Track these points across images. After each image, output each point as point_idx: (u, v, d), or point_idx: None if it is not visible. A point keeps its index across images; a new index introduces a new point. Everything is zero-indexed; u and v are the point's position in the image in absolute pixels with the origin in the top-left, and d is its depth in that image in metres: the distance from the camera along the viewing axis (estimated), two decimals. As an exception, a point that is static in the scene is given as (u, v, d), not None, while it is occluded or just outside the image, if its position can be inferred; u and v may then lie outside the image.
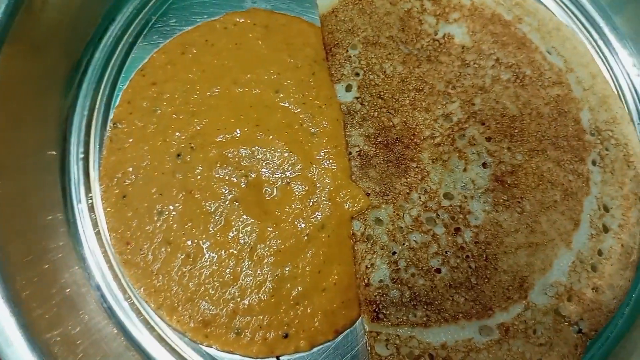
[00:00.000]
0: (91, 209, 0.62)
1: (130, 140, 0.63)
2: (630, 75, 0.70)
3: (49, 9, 0.59)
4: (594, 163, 0.62)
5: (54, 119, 0.63)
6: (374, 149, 0.62)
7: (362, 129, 0.63)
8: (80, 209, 0.62)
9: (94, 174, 0.63)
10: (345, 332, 0.58)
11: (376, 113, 0.63)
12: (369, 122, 0.63)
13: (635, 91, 0.69)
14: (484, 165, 0.61)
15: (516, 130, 0.62)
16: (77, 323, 0.54)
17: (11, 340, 0.47)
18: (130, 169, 0.61)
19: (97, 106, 0.66)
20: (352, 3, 0.67)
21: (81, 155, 0.64)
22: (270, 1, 0.70)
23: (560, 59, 0.66)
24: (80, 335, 0.53)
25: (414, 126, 0.63)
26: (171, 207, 0.60)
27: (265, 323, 0.57)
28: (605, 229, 0.60)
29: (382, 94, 0.64)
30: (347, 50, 0.66)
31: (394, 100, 0.64)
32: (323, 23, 0.67)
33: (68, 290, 0.57)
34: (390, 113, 0.63)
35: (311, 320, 0.57)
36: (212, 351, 0.57)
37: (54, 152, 0.62)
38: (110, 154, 0.63)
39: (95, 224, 0.61)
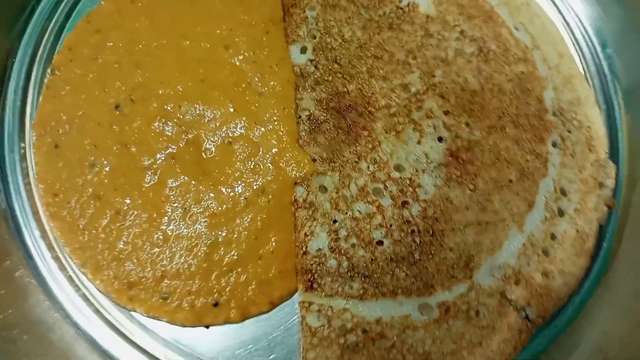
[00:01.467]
0: (23, 158, 0.59)
1: (68, 88, 0.59)
2: (600, 56, 0.67)
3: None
4: (554, 144, 0.60)
5: (-10, 61, 0.60)
6: (325, 114, 0.59)
7: (314, 93, 0.60)
8: (12, 157, 0.59)
9: (29, 123, 0.60)
10: (281, 304, 0.55)
11: (330, 77, 0.60)
12: (322, 86, 0.60)
13: (603, 73, 0.66)
14: (440, 139, 0.58)
15: (476, 106, 0.60)
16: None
17: None
18: (65, 118, 0.58)
19: (39, 53, 0.62)
20: None
21: (18, 102, 0.61)
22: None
23: (528, 35, 0.63)
24: (1, 290, 0.50)
25: (370, 94, 0.60)
26: (104, 161, 0.56)
27: (194, 289, 0.53)
28: (561, 213, 0.58)
29: (338, 58, 0.61)
30: (305, 11, 0.63)
31: (351, 66, 0.61)
32: None
33: (-9, 241, 0.54)
34: (346, 79, 0.60)
35: (244, 289, 0.54)
36: (139, 317, 0.54)
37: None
38: (45, 101, 0.59)
39: (26, 175, 0.58)
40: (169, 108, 0.58)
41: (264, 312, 0.54)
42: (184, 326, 0.53)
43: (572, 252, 0.57)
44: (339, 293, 0.53)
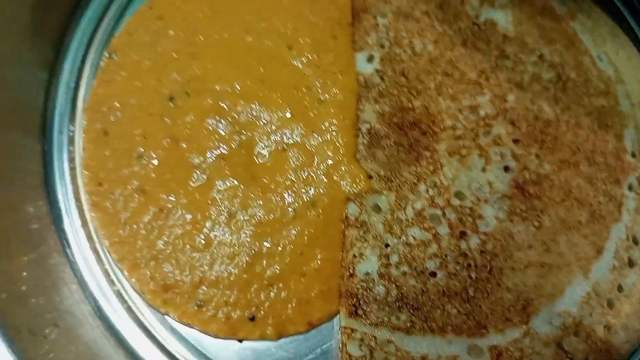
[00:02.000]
0: (71, 142, 0.57)
1: (123, 73, 0.58)
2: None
3: None
4: (630, 188, 0.56)
5: (50, 39, 0.59)
6: (387, 129, 0.56)
7: (377, 105, 0.57)
8: (60, 140, 0.57)
9: (80, 106, 0.58)
10: (320, 326, 0.52)
11: (396, 91, 0.57)
12: (386, 99, 0.57)
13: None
14: (506, 168, 0.55)
15: (549, 137, 0.56)
16: (27, 260, 0.49)
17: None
18: (118, 105, 0.57)
19: (98, 35, 0.61)
20: None
21: (72, 84, 0.59)
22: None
23: (612, 67, 0.59)
24: (28, 273, 0.49)
25: (436, 113, 0.57)
26: (153, 154, 0.55)
27: (231, 300, 0.51)
28: (631, 263, 0.54)
29: (406, 71, 0.58)
30: (376, 18, 0.59)
31: (418, 81, 0.57)
32: None
33: (25, 225, 0.52)
34: (412, 94, 0.57)
35: (284, 307, 0.52)
36: (171, 321, 0.52)
37: (44, 75, 0.58)
38: (99, 85, 0.58)
39: (71, 160, 0.57)
40: (224, 105, 0.56)
41: (301, 333, 0.52)
42: (216, 337, 0.51)
43: (639, 307, 0.52)
44: (385, 323, 0.50)
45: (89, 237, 0.54)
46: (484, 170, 0.55)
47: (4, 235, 0.49)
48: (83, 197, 0.55)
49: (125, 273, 0.52)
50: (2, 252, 0.47)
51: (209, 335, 0.51)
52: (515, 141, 0.56)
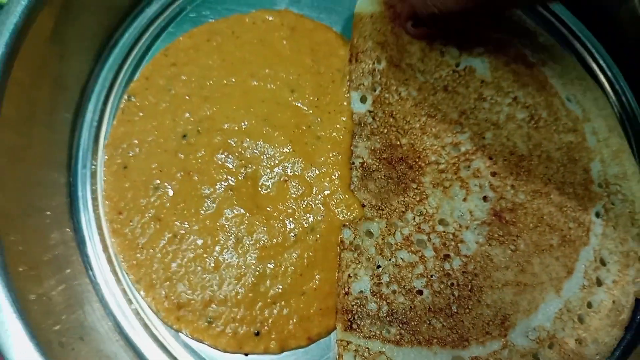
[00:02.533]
0: (93, 175, 0.63)
1: (141, 114, 0.64)
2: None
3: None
4: (597, 215, 0.61)
5: (75, 83, 0.65)
6: (377, 164, 0.62)
7: (369, 142, 0.63)
8: (84, 173, 0.63)
9: (102, 143, 0.64)
10: (319, 340, 0.57)
11: (385, 130, 0.63)
12: (377, 137, 0.63)
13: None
14: (485, 198, 0.61)
15: (523, 170, 0.62)
16: (56, 280, 0.55)
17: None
18: (136, 142, 0.62)
19: (118, 80, 0.67)
20: (388, 19, 0.67)
21: (95, 123, 0.65)
22: (302, 8, 0.72)
23: (579, 107, 0.66)
24: (57, 292, 0.54)
25: (421, 149, 0.63)
26: (168, 185, 0.60)
27: (238, 317, 0.56)
28: (599, 282, 0.59)
29: (394, 113, 0.64)
30: (374, 63, 0.66)
31: (405, 122, 0.64)
32: (358, 23, 0.67)
33: (52, 250, 0.57)
34: (400, 133, 0.63)
35: (286, 323, 0.56)
36: (184, 337, 0.57)
37: (69, 115, 0.64)
38: (119, 124, 0.64)
39: (94, 191, 0.62)
40: (232, 142, 0.62)
41: (301, 346, 0.57)
42: (225, 351, 0.56)
43: (607, 322, 0.57)
44: (377, 336, 0.54)
45: (109, 261, 0.59)
46: (465, 199, 0.61)
47: (35, 260, 0.54)
48: (104, 225, 0.60)
49: (142, 293, 0.57)
50: (34, 274, 0.53)
51: (218, 349, 0.56)
52: (493, 174, 0.61)
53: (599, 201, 0.62)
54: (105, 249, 0.60)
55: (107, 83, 0.67)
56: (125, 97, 0.65)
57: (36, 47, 0.59)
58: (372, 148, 0.63)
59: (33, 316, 0.49)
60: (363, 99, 0.65)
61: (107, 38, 0.68)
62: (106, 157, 0.63)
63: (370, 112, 0.64)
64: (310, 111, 0.64)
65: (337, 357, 0.54)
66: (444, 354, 0.54)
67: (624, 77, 0.72)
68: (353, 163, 0.62)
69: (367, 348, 0.54)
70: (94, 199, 0.62)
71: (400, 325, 0.55)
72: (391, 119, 0.64)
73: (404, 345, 0.54)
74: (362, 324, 0.55)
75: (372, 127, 0.64)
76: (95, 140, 0.65)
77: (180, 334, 0.57)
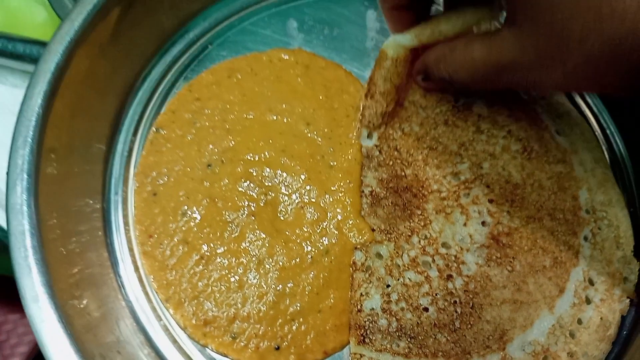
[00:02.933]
0: (124, 201, 0.68)
1: (169, 145, 0.70)
2: (629, 165, 0.75)
3: (125, 24, 0.68)
4: (585, 238, 0.67)
5: (107, 117, 0.71)
6: (385, 192, 0.68)
7: (377, 173, 0.69)
8: (116, 200, 0.68)
9: (132, 171, 0.70)
10: (334, 354, 0.62)
11: (391, 162, 0.69)
12: (384, 168, 0.69)
13: (632, 179, 0.74)
14: (483, 223, 0.66)
15: (517, 197, 0.68)
16: (94, 298, 0.60)
17: (38, 298, 0.53)
18: (165, 170, 0.68)
19: (146, 114, 0.73)
20: (409, 63, 0.70)
21: (125, 153, 0.71)
22: (314, 47, 0.78)
23: (567, 140, 0.72)
24: (95, 309, 0.59)
25: (424, 179, 0.68)
26: (194, 211, 0.66)
27: (260, 332, 0.61)
28: (588, 301, 0.64)
29: (398, 147, 0.70)
30: (387, 106, 0.70)
31: (409, 155, 0.70)
32: (382, 61, 0.70)
33: (90, 270, 0.62)
34: (404, 165, 0.69)
35: (304, 338, 0.61)
36: (209, 351, 0.62)
37: (102, 146, 0.70)
38: (149, 154, 0.69)
39: (125, 216, 0.67)
40: (253, 171, 0.68)
41: (318, 360, 0.62)
42: (247, 365, 0.61)
43: (596, 337, 0.63)
44: (387, 349, 0.60)
45: (140, 280, 0.64)
46: (465, 224, 0.67)
47: (75, 279, 0.59)
48: (135, 247, 0.65)
49: (171, 311, 0.62)
50: (76, 293, 0.58)
51: (241, 363, 0.61)
52: (490, 201, 0.67)
53: (587, 226, 0.68)
54: (136, 269, 0.65)
55: (137, 116, 0.73)
56: (154, 129, 0.71)
57: (74, 84, 0.65)
58: (380, 178, 0.69)
59: (76, 331, 0.54)
60: (370, 135, 0.71)
61: (136, 75, 0.74)
62: (137, 185, 0.68)
63: (376, 146, 0.70)
64: (324, 142, 0.70)
65: (351, 368, 0.60)
66: (448, 365, 0.59)
67: (608, 112, 0.78)
68: (363, 191, 0.68)
69: (379, 360, 0.60)
70: (126, 224, 0.67)
71: (409, 340, 0.60)
72: (396, 152, 0.70)
73: (412, 358, 0.59)
74: (373, 338, 0.60)
75: (379, 159, 0.70)
76: (126, 169, 0.70)
77: (206, 348, 0.62)
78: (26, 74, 0.85)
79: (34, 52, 0.79)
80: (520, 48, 0.52)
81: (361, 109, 0.72)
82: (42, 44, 0.79)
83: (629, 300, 0.65)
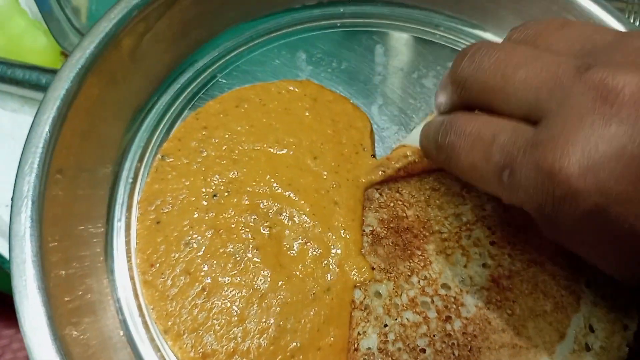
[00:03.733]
0: (127, 228, 0.68)
1: (174, 173, 0.70)
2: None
3: (137, 54, 0.69)
4: (588, 284, 0.67)
5: (114, 143, 0.71)
6: (385, 232, 0.68)
7: (377, 214, 0.69)
8: (119, 226, 0.68)
9: (136, 198, 0.70)
10: (332, 393, 0.61)
11: (392, 204, 0.70)
12: (385, 209, 0.69)
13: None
14: (484, 265, 0.66)
15: (519, 240, 0.68)
16: (92, 326, 0.60)
17: (37, 327, 0.53)
18: (169, 199, 0.68)
19: (153, 141, 0.74)
20: None
21: (130, 180, 0.71)
22: (322, 80, 0.79)
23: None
24: (93, 337, 0.59)
25: (425, 220, 0.69)
26: (198, 241, 0.66)
27: (260, 368, 0.61)
28: (588, 348, 0.64)
29: (400, 189, 0.71)
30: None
31: (410, 196, 0.70)
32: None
33: (89, 296, 0.62)
34: (405, 206, 0.70)
35: (303, 376, 0.61)
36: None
37: (108, 172, 0.70)
38: (153, 182, 0.70)
39: (128, 243, 0.67)
40: (258, 204, 0.68)
41: (316, 399, 0.61)
42: (244, 402, 0.60)
43: (594, 386, 0.63)
44: (383, 391, 0.60)
45: (140, 309, 0.64)
46: (465, 266, 0.67)
47: (74, 304, 0.59)
48: (136, 276, 0.65)
49: (170, 342, 0.61)
50: (73, 319, 0.58)
51: (239, 399, 0.60)
52: (492, 243, 0.68)
53: (589, 271, 0.68)
54: (136, 297, 0.65)
55: (142, 143, 0.73)
56: (159, 156, 0.71)
57: (82, 111, 0.66)
58: (380, 218, 0.69)
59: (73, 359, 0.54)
60: None
61: (144, 103, 0.75)
62: (140, 213, 0.68)
63: (377, 189, 0.71)
64: (330, 177, 0.70)
65: (347, 408, 0.59)
66: (445, 410, 0.59)
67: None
68: (364, 230, 0.68)
69: (375, 402, 0.59)
70: (127, 251, 0.67)
71: (405, 382, 0.60)
72: (397, 194, 0.70)
73: (409, 401, 0.59)
74: (369, 378, 0.60)
75: (380, 201, 0.70)
76: (130, 195, 0.70)
77: (203, 381, 0.61)
78: (25, 99, 0.88)
79: (33, 78, 0.81)
80: None
81: (386, 177, 0.70)
82: (42, 70, 0.81)
83: (628, 349, 0.65)
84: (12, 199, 0.57)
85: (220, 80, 0.79)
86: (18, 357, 0.79)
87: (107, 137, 0.71)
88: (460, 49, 0.84)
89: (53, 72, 0.80)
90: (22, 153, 0.60)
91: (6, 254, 0.74)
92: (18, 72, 0.82)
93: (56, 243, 0.60)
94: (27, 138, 0.61)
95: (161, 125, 0.75)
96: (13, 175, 0.81)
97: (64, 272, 0.60)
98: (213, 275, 0.64)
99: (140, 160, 0.72)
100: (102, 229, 0.68)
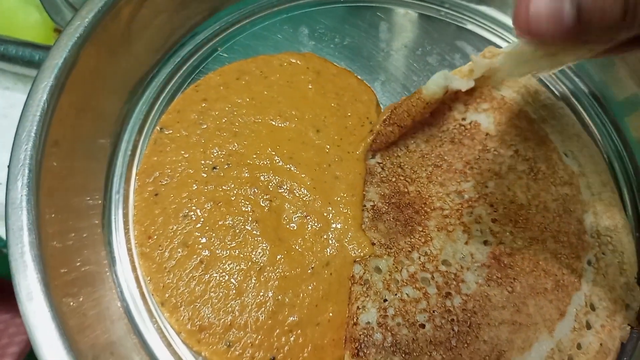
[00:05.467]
0: (125, 200, 0.68)
1: (173, 145, 0.69)
2: (636, 190, 0.74)
3: (135, 24, 0.68)
4: (589, 263, 0.66)
5: (112, 115, 0.71)
6: (386, 207, 0.67)
7: (379, 188, 0.68)
8: (117, 198, 0.68)
9: (135, 170, 0.69)
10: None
11: (394, 179, 0.69)
12: (386, 184, 0.68)
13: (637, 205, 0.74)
14: (485, 242, 0.66)
15: (521, 218, 0.67)
16: (89, 297, 0.59)
17: (33, 295, 0.52)
18: (168, 171, 0.68)
19: (152, 113, 0.73)
20: (433, 104, 0.70)
21: (128, 152, 0.71)
22: (324, 55, 0.78)
23: (576, 162, 0.71)
24: (90, 308, 0.58)
25: (427, 196, 0.68)
26: (197, 213, 0.65)
27: (257, 342, 0.60)
28: (588, 326, 0.64)
29: (402, 164, 0.70)
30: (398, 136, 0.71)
31: (412, 172, 0.69)
32: (414, 99, 0.69)
33: (87, 267, 0.62)
34: (407, 181, 0.69)
35: (301, 351, 0.60)
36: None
37: (106, 144, 0.69)
38: (152, 154, 0.69)
39: (125, 215, 0.67)
40: (258, 177, 0.67)
41: (313, 375, 0.60)
42: (241, 376, 0.60)
43: (594, 364, 0.62)
44: (381, 364, 0.59)
45: (137, 281, 0.64)
46: (466, 243, 0.66)
47: (72, 276, 0.58)
48: (133, 247, 0.65)
49: (166, 315, 0.61)
50: (71, 291, 0.57)
51: (235, 374, 0.60)
52: (494, 220, 0.67)
53: (591, 250, 0.67)
54: (134, 269, 0.64)
55: (142, 116, 0.73)
56: (158, 128, 0.71)
57: (80, 81, 0.65)
58: (382, 193, 0.68)
59: (70, 330, 0.53)
60: (373, 155, 0.71)
61: (143, 75, 0.75)
62: (138, 185, 0.68)
63: (379, 163, 0.70)
64: (332, 150, 0.69)
65: (345, 382, 0.59)
66: (443, 384, 0.59)
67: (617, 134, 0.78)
68: (365, 205, 0.68)
69: (373, 375, 0.59)
70: (125, 223, 0.67)
71: (403, 355, 0.60)
72: (399, 169, 0.70)
73: (406, 375, 0.59)
74: (368, 352, 0.60)
75: (382, 175, 0.69)
76: (128, 168, 0.70)
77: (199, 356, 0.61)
78: (18, 76, 0.86)
79: (26, 54, 0.79)
80: None
81: (375, 134, 0.71)
82: (35, 46, 0.80)
83: (630, 327, 0.64)
84: (8, 167, 0.57)
85: (221, 54, 0.78)
86: (14, 342, 0.79)
87: (105, 109, 0.70)
88: (465, 27, 0.83)
89: (46, 48, 0.78)
90: (19, 121, 0.59)
91: (3, 235, 0.74)
92: (11, 49, 0.80)
93: (53, 215, 0.59)
94: (24, 106, 0.60)
95: (161, 98, 0.74)
96: (6, 154, 0.81)
97: (61, 244, 0.59)
98: (211, 247, 0.64)
99: (139, 132, 0.72)
100: (100, 201, 0.67)
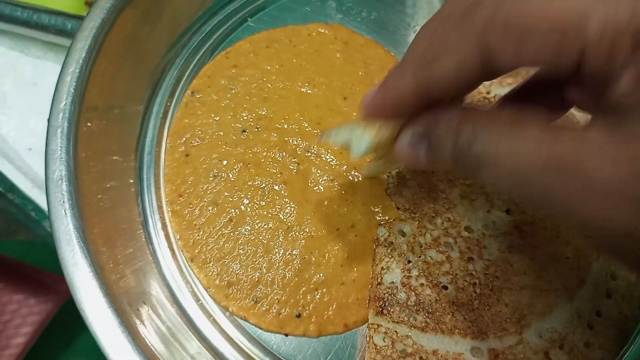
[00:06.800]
0: (156, 160, 0.70)
1: (204, 109, 0.71)
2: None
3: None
4: (610, 233, 0.67)
5: (145, 79, 0.72)
6: (411, 174, 0.68)
7: (404, 156, 0.69)
8: (149, 159, 0.70)
9: (166, 132, 0.71)
10: (354, 329, 0.62)
11: None
12: None
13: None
14: (507, 211, 0.67)
15: (544, 189, 0.68)
16: (123, 252, 0.61)
17: (72, 241, 0.54)
18: (199, 133, 0.69)
19: (183, 79, 0.75)
20: None
21: (160, 115, 0.73)
22: (353, 24, 0.79)
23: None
24: (123, 260, 0.61)
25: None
26: (227, 174, 0.67)
27: (283, 298, 0.62)
28: (608, 295, 0.65)
29: None
30: None
31: None
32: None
33: (120, 224, 0.64)
34: None
35: (325, 308, 0.62)
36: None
37: (139, 107, 0.71)
38: (183, 116, 0.71)
39: (157, 175, 0.69)
40: (287, 141, 0.69)
41: (337, 333, 0.62)
42: (267, 330, 0.61)
43: (613, 331, 0.63)
44: (405, 322, 0.61)
45: (167, 238, 0.66)
46: (489, 211, 0.67)
47: (107, 234, 0.60)
48: (164, 205, 0.67)
49: (195, 270, 0.63)
50: (105, 242, 0.59)
51: (261, 328, 0.61)
52: (516, 190, 0.68)
53: (612, 221, 0.68)
54: (164, 227, 0.66)
55: (173, 80, 0.74)
56: (189, 92, 0.73)
57: (116, 44, 0.67)
58: (407, 162, 0.69)
59: (105, 276, 0.55)
60: None
61: (175, 42, 0.76)
62: (169, 145, 0.69)
63: None
64: (358, 117, 0.70)
65: (368, 338, 0.60)
66: (464, 343, 0.60)
67: None
68: (390, 172, 0.69)
69: (396, 331, 0.60)
70: (157, 182, 0.68)
71: (426, 315, 0.61)
72: None
73: (429, 332, 0.60)
74: (392, 310, 0.61)
75: None
76: (160, 130, 0.72)
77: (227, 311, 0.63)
78: (49, 45, 0.88)
79: (58, 24, 0.81)
80: None
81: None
82: (67, 16, 0.81)
83: (649, 297, 0.65)
84: (48, 120, 0.59)
85: (250, 24, 0.79)
86: (27, 322, 0.80)
87: (139, 73, 0.72)
88: None
89: (79, 18, 0.80)
90: (58, 80, 0.61)
91: (29, 196, 0.77)
92: (44, 17, 0.82)
93: (89, 171, 0.61)
94: (63, 65, 0.62)
95: (192, 65, 0.76)
96: (35, 121, 0.83)
97: (96, 199, 0.61)
98: (240, 207, 0.65)
99: (171, 97, 0.73)
100: (133, 163, 0.69)
